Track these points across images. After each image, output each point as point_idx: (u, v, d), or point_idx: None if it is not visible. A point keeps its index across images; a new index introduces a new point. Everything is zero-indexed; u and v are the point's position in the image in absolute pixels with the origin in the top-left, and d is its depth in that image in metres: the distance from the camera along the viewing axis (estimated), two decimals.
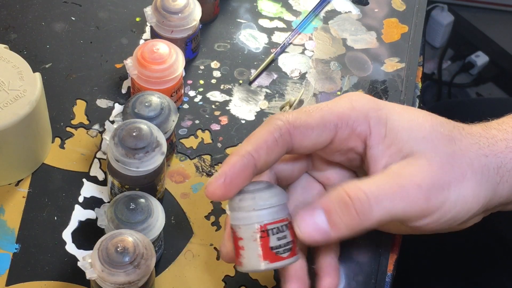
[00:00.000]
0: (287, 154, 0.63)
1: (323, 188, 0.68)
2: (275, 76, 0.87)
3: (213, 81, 0.86)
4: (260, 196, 0.60)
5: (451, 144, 0.61)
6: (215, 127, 0.82)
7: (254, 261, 0.59)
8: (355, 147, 0.63)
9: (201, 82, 0.85)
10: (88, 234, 0.74)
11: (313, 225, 0.59)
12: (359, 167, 0.66)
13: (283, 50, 0.89)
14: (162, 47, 0.78)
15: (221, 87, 0.85)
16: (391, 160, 0.61)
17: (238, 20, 0.91)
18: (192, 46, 0.85)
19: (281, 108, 0.82)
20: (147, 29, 0.89)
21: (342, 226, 0.59)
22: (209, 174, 0.79)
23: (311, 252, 0.67)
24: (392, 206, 0.58)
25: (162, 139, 0.70)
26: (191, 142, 0.81)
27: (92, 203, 0.77)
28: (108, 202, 0.76)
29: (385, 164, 0.61)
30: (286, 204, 0.61)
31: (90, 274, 0.64)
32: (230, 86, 0.85)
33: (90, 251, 0.66)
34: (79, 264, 0.66)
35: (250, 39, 0.89)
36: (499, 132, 0.63)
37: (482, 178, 0.61)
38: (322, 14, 0.92)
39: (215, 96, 0.84)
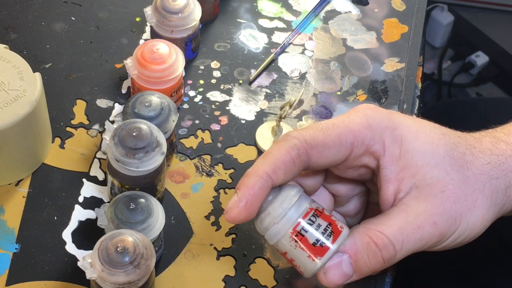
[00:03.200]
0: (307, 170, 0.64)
1: (332, 197, 0.68)
2: (275, 76, 0.87)
3: (213, 81, 0.86)
4: (273, 208, 0.60)
5: (464, 170, 0.62)
6: (215, 127, 0.82)
7: (309, 264, 0.60)
8: (368, 163, 0.63)
9: (201, 82, 0.85)
10: (88, 234, 0.74)
11: (340, 274, 0.60)
12: (369, 180, 0.66)
13: (283, 50, 0.89)
14: (162, 47, 0.78)
15: (221, 87, 0.85)
16: (404, 184, 0.61)
17: (238, 20, 0.91)
18: (192, 46, 0.85)
19: (281, 108, 0.82)
20: (147, 29, 0.89)
21: (366, 271, 0.60)
22: (209, 174, 0.79)
23: None
24: (413, 247, 0.60)
25: (162, 139, 0.70)
26: (191, 142, 0.81)
27: (92, 203, 0.77)
28: (108, 202, 0.76)
29: (397, 187, 0.61)
30: (301, 196, 0.61)
31: (90, 274, 0.64)
32: (230, 86, 0.85)
33: (90, 251, 0.65)
34: (79, 264, 0.66)
35: (250, 39, 0.89)
36: (508, 146, 0.64)
37: (491, 203, 0.62)
38: (322, 14, 0.92)
39: (215, 96, 0.84)
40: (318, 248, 0.59)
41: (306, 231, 0.59)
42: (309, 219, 0.60)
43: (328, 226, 0.60)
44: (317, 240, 0.59)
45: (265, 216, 0.60)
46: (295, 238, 0.60)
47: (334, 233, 0.60)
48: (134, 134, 0.69)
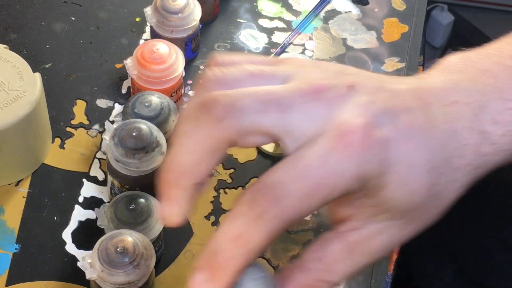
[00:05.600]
0: None
1: None
2: None
3: None
4: None
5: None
6: None
7: None
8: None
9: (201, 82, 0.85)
10: (88, 234, 0.74)
11: None
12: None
13: (283, 50, 0.89)
14: (162, 47, 0.78)
15: None
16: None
17: (238, 20, 0.91)
18: (192, 46, 0.85)
19: None
20: (147, 29, 0.89)
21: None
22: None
23: None
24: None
25: (162, 139, 0.70)
26: None
27: (92, 203, 0.77)
28: (108, 202, 0.76)
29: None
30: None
31: (90, 274, 0.64)
32: None
33: (90, 251, 0.66)
34: (79, 264, 0.66)
35: (250, 39, 0.89)
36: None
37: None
38: (322, 14, 0.92)
39: None
40: None
41: None
42: None
43: None
44: None
45: None
46: None
47: None
48: (134, 134, 0.69)
